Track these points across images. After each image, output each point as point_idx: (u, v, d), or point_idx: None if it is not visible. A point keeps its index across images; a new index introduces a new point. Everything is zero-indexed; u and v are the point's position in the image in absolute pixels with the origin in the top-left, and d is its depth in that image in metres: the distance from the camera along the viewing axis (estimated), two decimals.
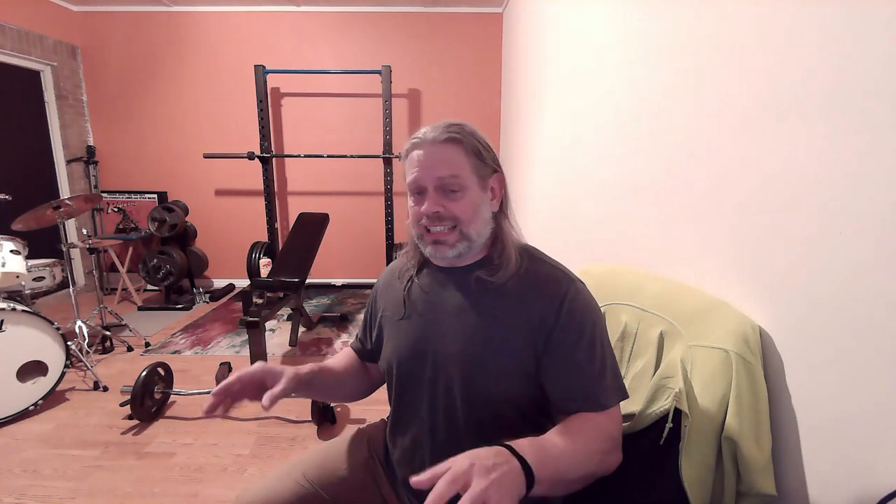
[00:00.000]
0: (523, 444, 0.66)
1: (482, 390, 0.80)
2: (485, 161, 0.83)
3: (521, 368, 0.79)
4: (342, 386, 1.01)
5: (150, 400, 2.16)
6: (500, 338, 0.80)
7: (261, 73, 3.94)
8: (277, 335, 3.29)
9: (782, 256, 0.86)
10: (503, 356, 0.79)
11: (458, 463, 0.60)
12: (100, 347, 2.92)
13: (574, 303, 0.78)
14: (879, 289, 0.67)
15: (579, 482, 0.71)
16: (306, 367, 0.90)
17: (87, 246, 2.97)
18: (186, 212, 4.21)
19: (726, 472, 0.84)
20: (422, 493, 0.88)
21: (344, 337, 3.31)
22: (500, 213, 0.88)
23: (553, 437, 0.71)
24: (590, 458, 0.71)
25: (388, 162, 4.08)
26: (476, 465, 0.60)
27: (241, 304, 3.41)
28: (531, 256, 0.86)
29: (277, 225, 4.34)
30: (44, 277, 2.89)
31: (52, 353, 2.26)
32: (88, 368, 2.50)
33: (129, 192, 4.46)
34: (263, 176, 4.15)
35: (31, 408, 2.20)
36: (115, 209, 4.31)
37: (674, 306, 1.01)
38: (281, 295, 2.90)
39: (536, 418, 0.81)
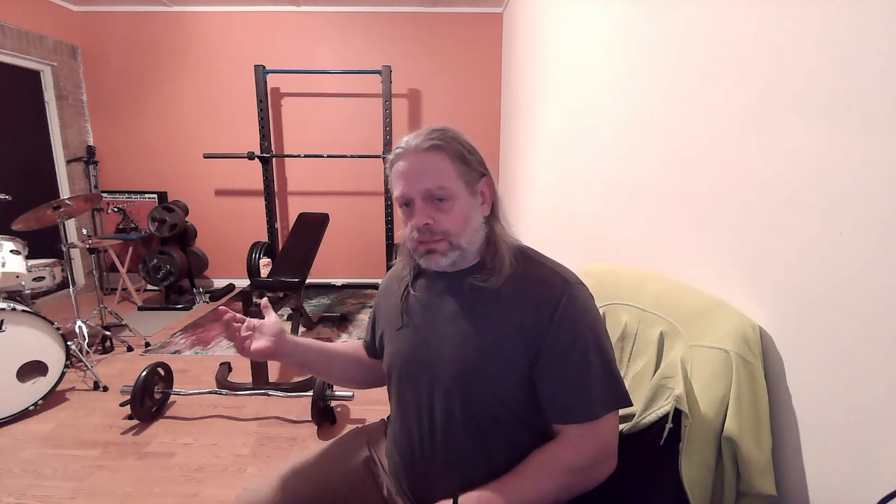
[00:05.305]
0: (471, 498, 0.72)
1: (479, 395, 0.80)
2: (471, 166, 0.82)
3: (516, 373, 0.78)
4: (334, 363, 1.01)
5: (150, 400, 2.16)
6: (494, 343, 0.79)
7: (261, 73, 3.94)
8: None
9: (782, 256, 0.86)
10: (499, 362, 0.79)
11: None
12: (100, 347, 2.92)
13: (568, 309, 0.77)
14: (879, 289, 0.67)
15: None
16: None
17: (87, 246, 2.97)
18: (186, 212, 4.21)
19: (726, 473, 0.84)
20: (421, 494, 0.89)
21: (344, 337, 3.31)
22: (492, 217, 0.86)
23: (508, 483, 0.75)
24: (548, 492, 0.74)
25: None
26: None
27: (241, 304, 3.41)
28: (527, 258, 0.85)
29: (277, 225, 4.34)
30: (44, 277, 2.89)
31: (52, 353, 2.26)
32: (88, 368, 2.50)
33: (129, 192, 4.46)
34: (263, 176, 4.15)
35: (31, 408, 2.20)
36: (115, 209, 4.31)
37: (674, 306, 1.02)
38: (281, 295, 2.89)
39: (534, 421, 0.81)
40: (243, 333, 0.88)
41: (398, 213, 0.90)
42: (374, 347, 1.02)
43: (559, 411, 0.77)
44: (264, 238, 4.30)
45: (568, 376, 0.76)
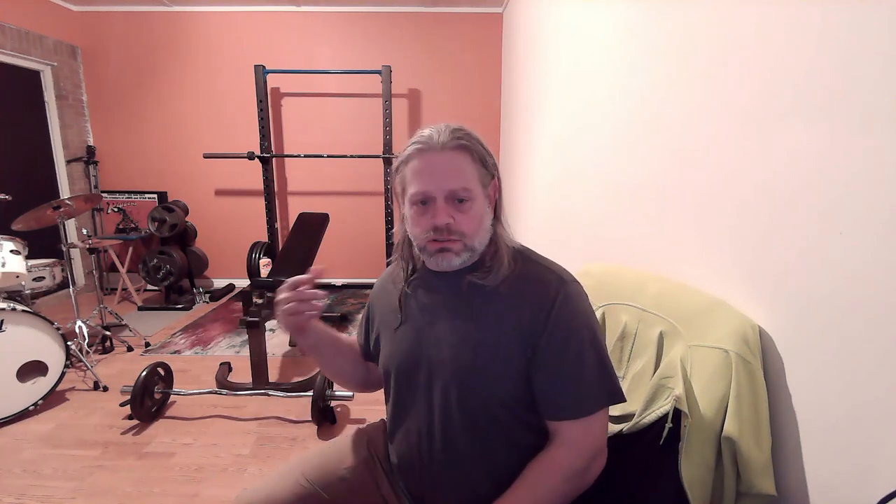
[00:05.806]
0: None
1: (477, 394, 0.80)
2: (488, 168, 0.83)
3: (513, 372, 0.78)
4: (339, 356, 1.00)
5: (150, 400, 2.16)
6: (491, 342, 0.79)
7: (261, 73, 3.94)
8: (277, 335, 3.29)
9: (782, 256, 0.86)
10: (496, 360, 0.79)
11: None
12: (100, 347, 2.92)
13: (563, 308, 0.77)
14: (879, 289, 0.67)
15: None
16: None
17: (87, 246, 2.97)
18: (186, 212, 4.21)
19: (726, 473, 0.84)
20: (421, 494, 0.89)
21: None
22: (495, 219, 0.87)
23: (507, 500, 0.75)
24: (552, 497, 0.75)
25: (387, 162, 4.08)
26: None
27: (241, 304, 3.41)
28: (525, 258, 0.85)
29: (277, 225, 4.34)
30: (44, 277, 2.88)
31: (52, 353, 2.26)
32: (88, 368, 2.50)
33: (129, 192, 4.46)
34: (263, 176, 4.15)
35: (31, 408, 2.20)
36: (115, 209, 4.31)
37: (674, 306, 1.02)
38: None
39: (533, 420, 0.81)
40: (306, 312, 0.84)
41: (398, 212, 0.89)
42: (368, 350, 1.02)
43: (554, 409, 0.77)
44: (264, 238, 4.30)
45: (563, 374, 0.76)
